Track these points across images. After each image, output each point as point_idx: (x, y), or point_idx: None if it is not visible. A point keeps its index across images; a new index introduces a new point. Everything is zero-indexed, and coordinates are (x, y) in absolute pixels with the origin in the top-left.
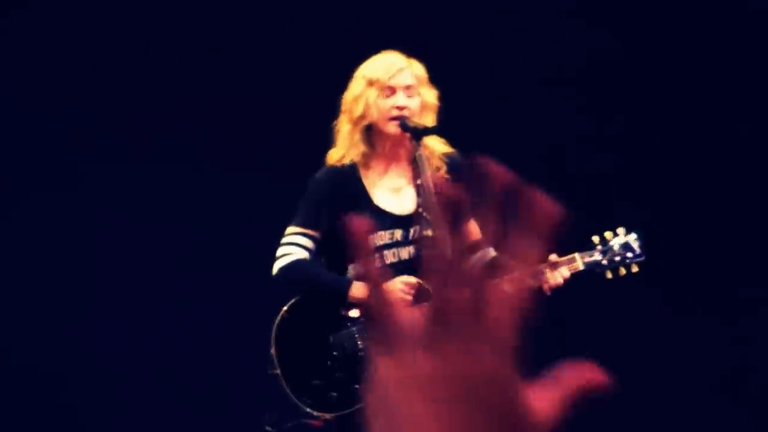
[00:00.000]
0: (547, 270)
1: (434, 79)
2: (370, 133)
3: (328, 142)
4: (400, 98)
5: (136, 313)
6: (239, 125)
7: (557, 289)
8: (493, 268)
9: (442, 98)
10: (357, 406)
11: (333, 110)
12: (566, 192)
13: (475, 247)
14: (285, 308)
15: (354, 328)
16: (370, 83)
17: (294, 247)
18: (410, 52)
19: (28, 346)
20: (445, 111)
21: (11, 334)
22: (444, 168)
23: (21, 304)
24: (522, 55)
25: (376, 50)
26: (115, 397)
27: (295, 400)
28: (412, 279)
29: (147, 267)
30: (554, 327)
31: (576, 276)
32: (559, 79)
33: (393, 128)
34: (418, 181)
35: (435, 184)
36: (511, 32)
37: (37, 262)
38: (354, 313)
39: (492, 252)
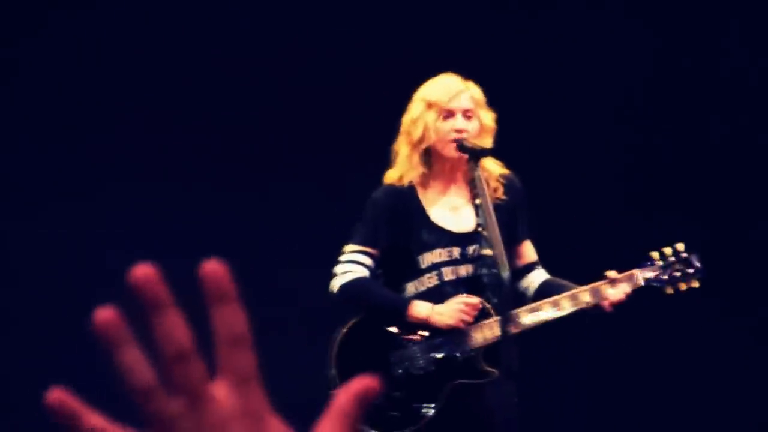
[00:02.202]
0: (607, 287)
1: (491, 101)
2: (429, 154)
3: (385, 161)
4: (459, 121)
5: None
6: (295, 145)
7: (619, 306)
8: (545, 288)
9: (500, 121)
10: (417, 425)
11: (392, 130)
12: (619, 207)
13: (530, 268)
14: (345, 328)
15: (415, 347)
16: (429, 106)
17: (354, 264)
18: (467, 74)
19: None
20: (501, 133)
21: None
22: (501, 189)
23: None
24: (576, 76)
25: (434, 73)
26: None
27: None
28: (474, 299)
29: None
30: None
31: (637, 292)
32: (611, 94)
33: (452, 151)
34: (477, 201)
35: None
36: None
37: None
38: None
39: (544, 273)
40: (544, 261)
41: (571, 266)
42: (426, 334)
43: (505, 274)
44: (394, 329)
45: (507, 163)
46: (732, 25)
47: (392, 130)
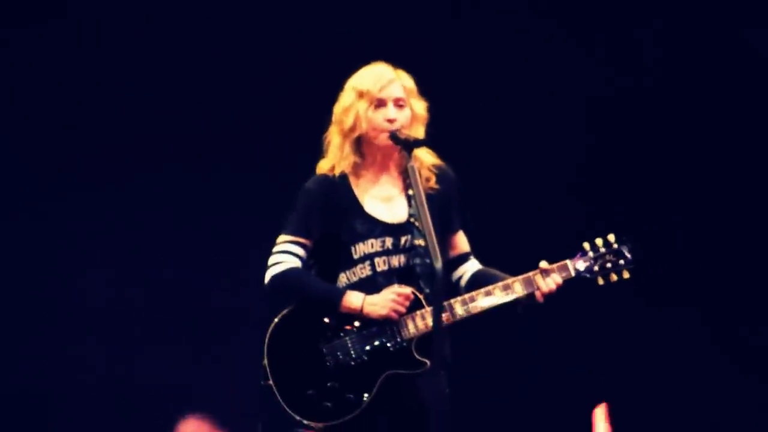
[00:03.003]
0: (539, 277)
1: (423, 90)
2: (360, 143)
3: (317, 151)
4: (390, 110)
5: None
6: (226, 137)
7: (550, 297)
8: (478, 279)
9: (431, 109)
10: (350, 416)
11: (322, 119)
12: (556, 197)
13: (463, 258)
14: (277, 318)
15: (347, 338)
16: (360, 95)
17: (286, 255)
18: (398, 63)
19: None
20: (434, 122)
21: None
22: (433, 179)
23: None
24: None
25: (365, 61)
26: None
27: (289, 411)
28: (406, 289)
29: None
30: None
31: (568, 283)
32: (546, 85)
33: (384, 140)
34: (410, 191)
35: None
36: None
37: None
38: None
39: (477, 264)
40: (479, 252)
41: (505, 257)
42: (358, 324)
43: (438, 264)
44: (326, 319)
45: (440, 153)
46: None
47: (323, 119)
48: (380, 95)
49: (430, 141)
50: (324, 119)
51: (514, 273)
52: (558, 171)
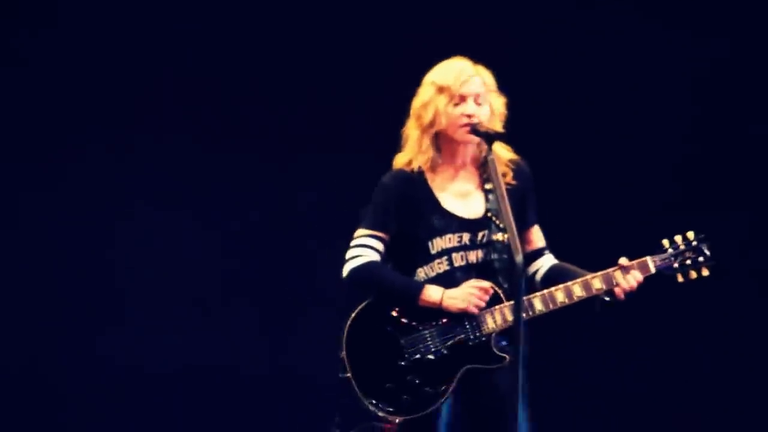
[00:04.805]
0: (618, 273)
1: (501, 86)
2: (438, 139)
3: (395, 145)
4: (470, 106)
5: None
6: (313, 124)
7: (630, 294)
8: (554, 274)
9: (510, 106)
10: (429, 410)
11: (401, 114)
12: (635, 197)
13: (538, 253)
14: (355, 311)
15: (426, 332)
16: (440, 90)
17: (365, 249)
18: (478, 58)
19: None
20: (511, 118)
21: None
22: (510, 174)
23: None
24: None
25: (443, 56)
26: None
27: (366, 403)
28: (486, 283)
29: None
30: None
31: (648, 280)
32: (635, 81)
33: (463, 135)
34: (488, 186)
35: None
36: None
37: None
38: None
39: (552, 258)
40: (556, 248)
41: (583, 253)
42: (437, 318)
43: (519, 258)
44: (405, 313)
45: (517, 149)
46: None
47: (402, 114)
48: (461, 91)
49: (509, 135)
50: (403, 113)
51: (592, 269)
52: (640, 167)
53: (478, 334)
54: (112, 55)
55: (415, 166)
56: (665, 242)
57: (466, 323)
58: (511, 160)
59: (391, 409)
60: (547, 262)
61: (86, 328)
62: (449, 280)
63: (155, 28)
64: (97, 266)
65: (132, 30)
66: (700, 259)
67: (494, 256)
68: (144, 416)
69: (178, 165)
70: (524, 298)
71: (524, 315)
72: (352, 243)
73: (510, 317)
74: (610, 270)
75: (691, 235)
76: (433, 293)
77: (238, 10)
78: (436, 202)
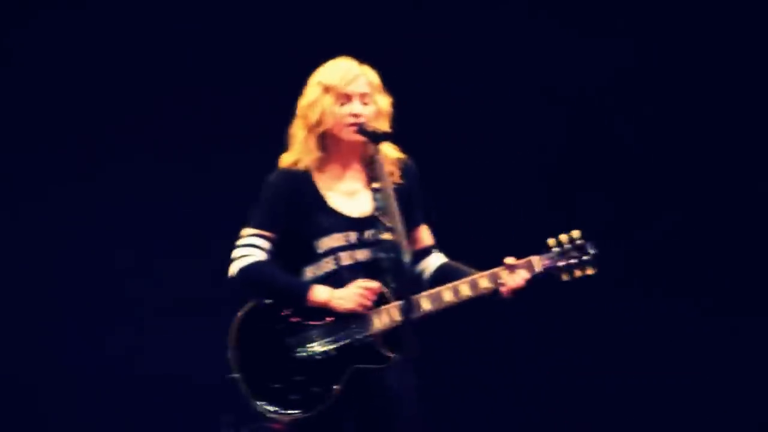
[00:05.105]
0: (505, 272)
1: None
2: (325, 138)
3: (281, 145)
4: (356, 105)
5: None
6: (189, 133)
7: (516, 292)
8: (442, 273)
9: (396, 105)
10: (317, 409)
11: (286, 114)
12: (521, 194)
13: (426, 252)
14: (242, 311)
15: (314, 331)
16: (326, 90)
17: (251, 248)
18: (362, 57)
19: None
20: (398, 118)
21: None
22: (397, 173)
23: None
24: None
25: (329, 56)
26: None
27: (255, 403)
28: (373, 283)
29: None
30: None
31: (535, 279)
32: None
33: (349, 134)
34: (375, 185)
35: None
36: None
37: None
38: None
39: (441, 257)
40: (445, 246)
41: (471, 252)
42: (324, 318)
43: (406, 258)
44: (292, 313)
45: (404, 149)
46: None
47: (288, 114)
48: (346, 90)
49: (395, 135)
50: (289, 113)
51: (480, 267)
52: (525, 166)
53: (365, 334)
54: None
55: (301, 165)
56: (551, 241)
57: (353, 323)
58: (398, 159)
59: (279, 410)
60: (435, 261)
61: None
62: (336, 279)
63: None
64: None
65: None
66: (585, 258)
67: (382, 255)
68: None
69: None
70: (412, 297)
71: (412, 315)
72: (239, 242)
73: (397, 317)
74: (496, 269)
75: (576, 234)
76: (320, 293)
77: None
78: (322, 201)
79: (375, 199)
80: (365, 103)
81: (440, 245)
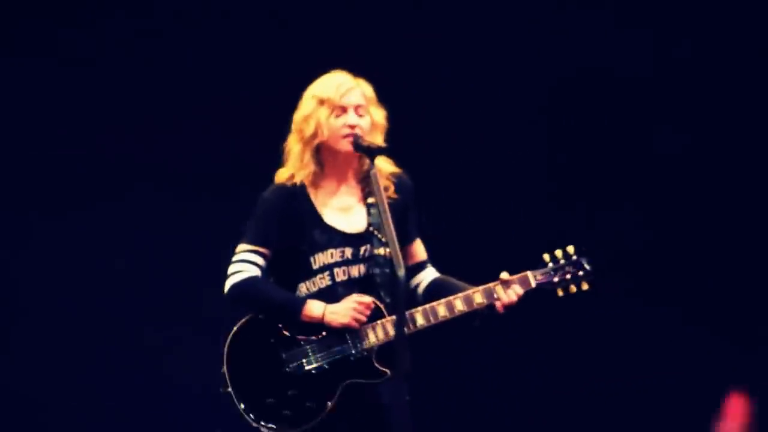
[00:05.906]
0: (499, 288)
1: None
2: (320, 152)
3: (277, 160)
4: (351, 117)
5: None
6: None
7: (510, 308)
8: (436, 287)
9: (391, 118)
10: (310, 424)
11: (282, 129)
12: (517, 209)
13: (420, 266)
14: (236, 326)
15: (308, 346)
16: (321, 102)
17: (246, 264)
18: (357, 71)
19: None
20: (393, 131)
21: None
22: (392, 188)
23: None
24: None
25: (324, 70)
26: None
27: (248, 418)
28: (367, 298)
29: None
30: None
31: (528, 294)
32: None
33: (346, 146)
34: (370, 200)
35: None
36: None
37: None
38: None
39: (434, 272)
40: (439, 261)
41: (465, 266)
42: (319, 333)
43: (401, 273)
44: (286, 328)
45: (398, 162)
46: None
47: (284, 128)
48: (341, 102)
49: (390, 149)
50: (284, 128)
51: (474, 282)
52: (521, 180)
53: (359, 348)
54: None
55: (297, 180)
56: (546, 256)
57: (348, 338)
58: (393, 174)
59: (272, 425)
60: (429, 275)
61: None
62: (331, 295)
63: None
64: None
65: None
66: (580, 273)
67: (376, 270)
68: None
69: None
70: (406, 312)
71: (406, 329)
72: (234, 258)
73: (392, 332)
74: (491, 284)
75: (571, 249)
76: (314, 309)
77: None
78: (318, 217)
79: (370, 215)
80: (360, 115)
81: (435, 258)
